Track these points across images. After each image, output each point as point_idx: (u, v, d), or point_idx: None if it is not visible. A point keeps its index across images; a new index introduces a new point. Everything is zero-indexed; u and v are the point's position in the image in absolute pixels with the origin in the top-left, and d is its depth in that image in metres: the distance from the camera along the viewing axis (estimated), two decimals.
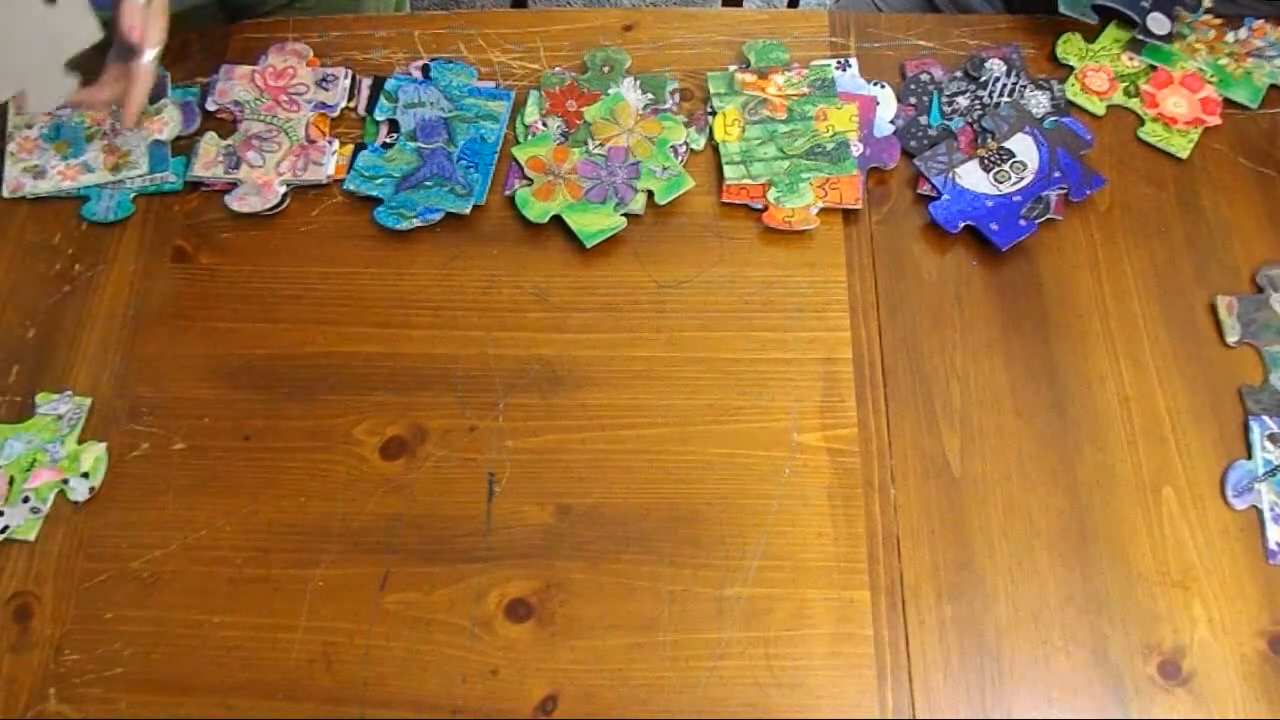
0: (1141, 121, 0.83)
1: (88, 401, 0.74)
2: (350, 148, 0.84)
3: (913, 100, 0.85)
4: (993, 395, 0.73)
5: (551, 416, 0.73)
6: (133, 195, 0.83)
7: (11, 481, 0.71)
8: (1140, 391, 0.72)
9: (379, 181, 0.82)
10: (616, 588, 0.67)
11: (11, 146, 0.84)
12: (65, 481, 0.71)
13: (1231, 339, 0.74)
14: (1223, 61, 0.85)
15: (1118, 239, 0.78)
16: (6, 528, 0.70)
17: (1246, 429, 0.70)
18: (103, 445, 0.73)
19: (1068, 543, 0.67)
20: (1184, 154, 0.81)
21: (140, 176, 0.83)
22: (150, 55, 0.76)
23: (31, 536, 0.70)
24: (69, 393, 0.75)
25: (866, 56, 0.88)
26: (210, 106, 0.86)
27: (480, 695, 0.64)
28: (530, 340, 0.76)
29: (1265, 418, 0.70)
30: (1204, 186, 0.80)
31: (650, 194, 0.81)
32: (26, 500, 0.71)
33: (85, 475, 0.72)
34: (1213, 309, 0.75)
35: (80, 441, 0.73)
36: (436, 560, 0.68)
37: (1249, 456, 0.69)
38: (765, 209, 0.80)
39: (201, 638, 0.66)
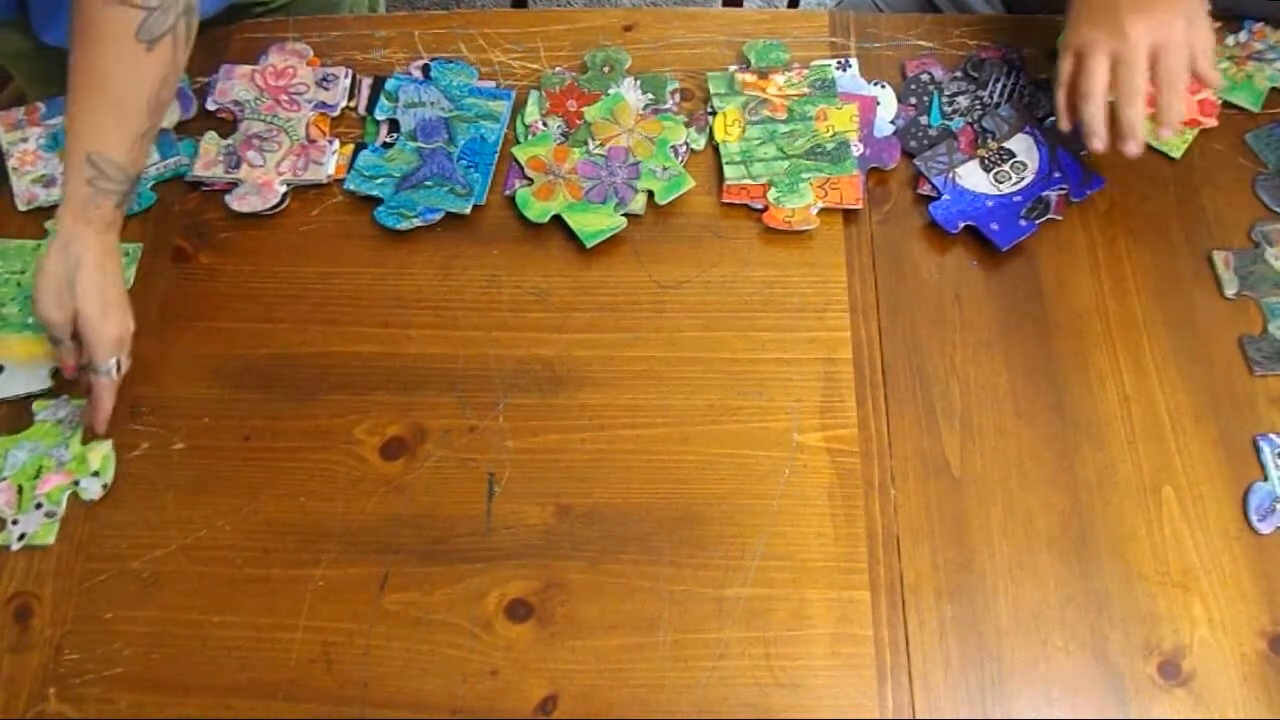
0: None
1: (85, 403, 0.74)
2: (350, 147, 0.84)
3: (913, 100, 0.85)
4: (993, 395, 0.73)
5: (551, 416, 0.73)
6: (151, 184, 0.83)
7: (20, 490, 0.71)
8: (1140, 391, 0.72)
9: (379, 181, 0.82)
10: (616, 588, 0.67)
11: (12, 162, 0.84)
12: (76, 483, 0.71)
13: (1230, 291, 0.75)
14: (1223, 65, 0.85)
15: (1118, 239, 0.78)
16: (24, 535, 0.70)
17: (1257, 449, 0.70)
18: (109, 443, 0.73)
19: (1068, 543, 0.67)
20: (1177, 154, 0.81)
21: (154, 165, 0.83)
22: (105, 367, 0.71)
23: (50, 540, 0.70)
24: (65, 397, 0.75)
25: (867, 56, 0.88)
26: (210, 106, 0.86)
27: (480, 695, 0.64)
28: (530, 340, 0.76)
29: (1274, 436, 0.70)
30: (1204, 187, 0.80)
31: (650, 194, 0.81)
32: (40, 506, 0.71)
33: (96, 474, 0.72)
34: (1210, 263, 0.76)
35: (84, 443, 0.73)
36: (436, 560, 0.68)
37: (1264, 478, 0.68)
38: (765, 209, 0.80)
39: (201, 638, 0.66)
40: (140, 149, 0.71)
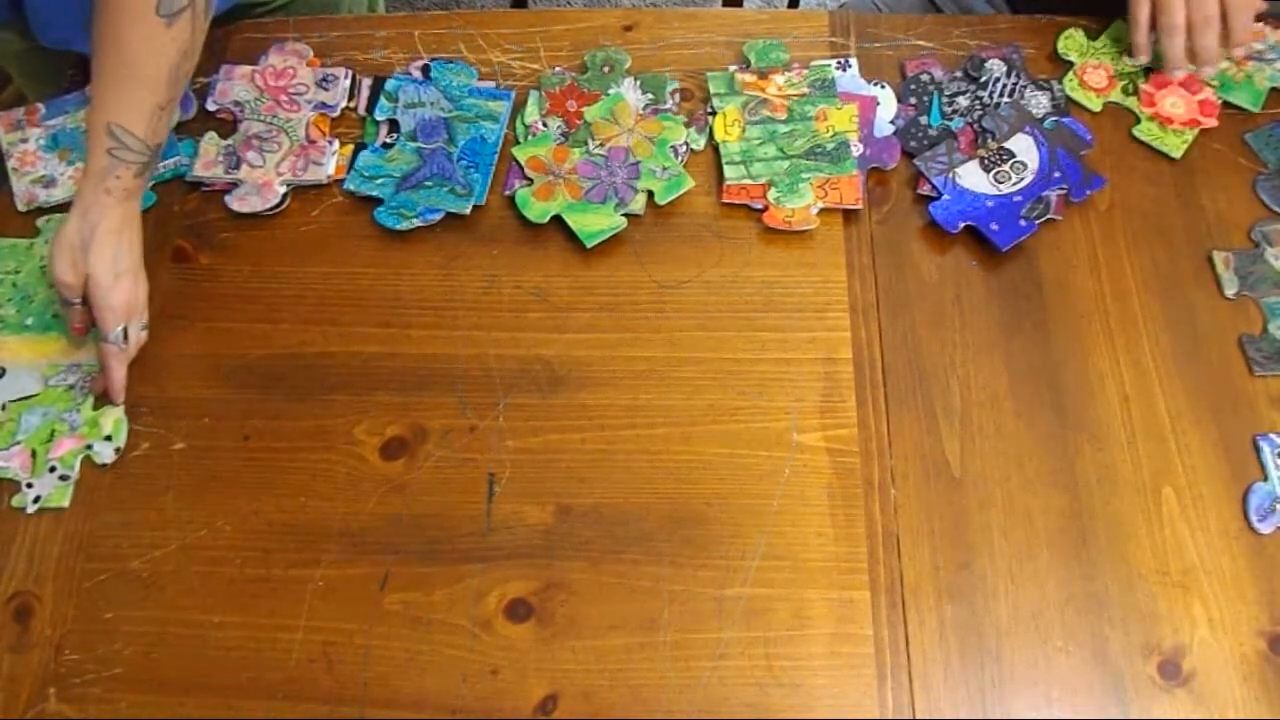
0: (1137, 120, 0.83)
1: (96, 370, 0.74)
2: (350, 148, 0.84)
3: (913, 100, 0.85)
4: (993, 395, 0.73)
5: (551, 416, 0.73)
6: (151, 184, 0.83)
7: (34, 454, 0.72)
8: (1140, 391, 0.72)
9: (379, 181, 0.82)
10: (617, 588, 0.67)
11: (12, 163, 0.84)
12: (89, 447, 0.72)
13: (1230, 291, 0.76)
14: (1224, 65, 0.85)
15: (1118, 239, 0.79)
16: (39, 498, 0.70)
17: (1257, 449, 0.70)
18: (120, 408, 0.73)
19: (1068, 543, 0.67)
20: (1177, 154, 0.81)
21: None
22: (112, 335, 0.72)
23: (65, 503, 0.70)
24: (75, 363, 0.75)
25: (866, 56, 0.88)
26: (210, 106, 0.86)
27: (480, 695, 0.64)
28: (530, 340, 0.76)
29: (1274, 436, 0.70)
30: (1204, 187, 0.80)
31: (650, 194, 0.81)
32: (53, 469, 0.71)
33: (108, 438, 0.72)
34: (1210, 263, 0.77)
35: (95, 408, 0.73)
36: (436, 560, 0.68)
37: (1264, 478, 0.69)
38: (765, 209, 0.80)
39: (201, 638, 0.66)
40: (160, 121, 0.73)
